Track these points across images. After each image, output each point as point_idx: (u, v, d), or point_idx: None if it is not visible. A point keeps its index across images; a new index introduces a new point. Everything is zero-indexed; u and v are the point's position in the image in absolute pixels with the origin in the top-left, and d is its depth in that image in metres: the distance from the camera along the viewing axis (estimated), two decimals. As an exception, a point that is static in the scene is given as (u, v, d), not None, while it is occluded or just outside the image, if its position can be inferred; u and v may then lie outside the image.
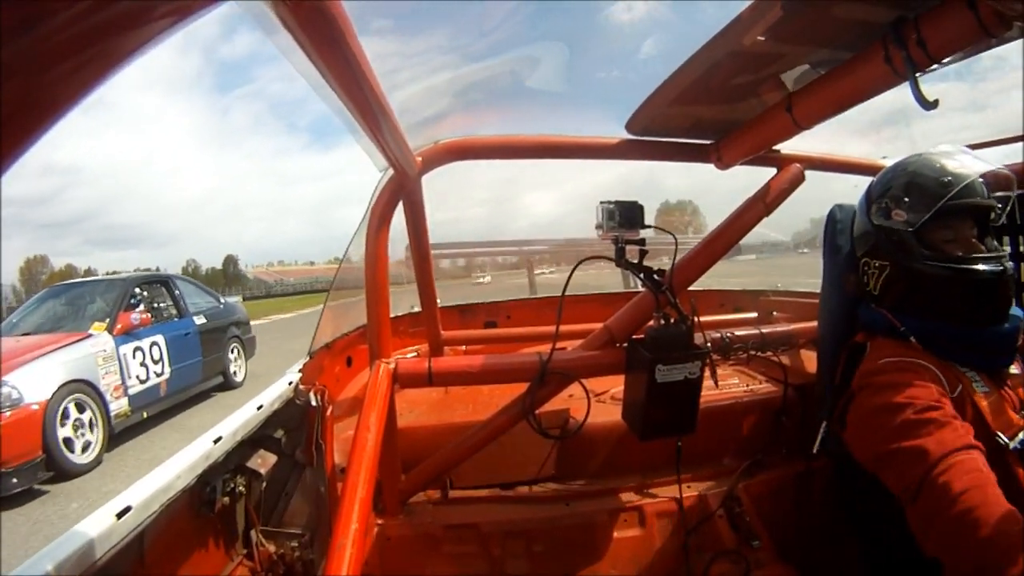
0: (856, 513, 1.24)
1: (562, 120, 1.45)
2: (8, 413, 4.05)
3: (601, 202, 1.19)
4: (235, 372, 7.23)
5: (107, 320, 5.29)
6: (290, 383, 1.38)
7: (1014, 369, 1.06)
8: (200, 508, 1.08)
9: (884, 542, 1.14)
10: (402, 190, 1.33)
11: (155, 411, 5.55)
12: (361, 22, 0.64)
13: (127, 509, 0.83)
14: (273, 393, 1.32)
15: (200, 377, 6.45)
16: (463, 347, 2.30)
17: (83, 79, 0.29)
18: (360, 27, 0.64)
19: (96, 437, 4.61)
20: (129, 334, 5.34)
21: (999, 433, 0.95)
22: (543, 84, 1.34)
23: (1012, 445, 0.94)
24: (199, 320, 6.58)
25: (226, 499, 1.13)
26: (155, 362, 5.65)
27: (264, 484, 1.23)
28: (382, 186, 1.29)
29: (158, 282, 6.48)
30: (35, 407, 4.16)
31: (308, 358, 1.58)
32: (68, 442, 4.31)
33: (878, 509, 1.07)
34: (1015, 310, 1.04)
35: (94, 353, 4.90)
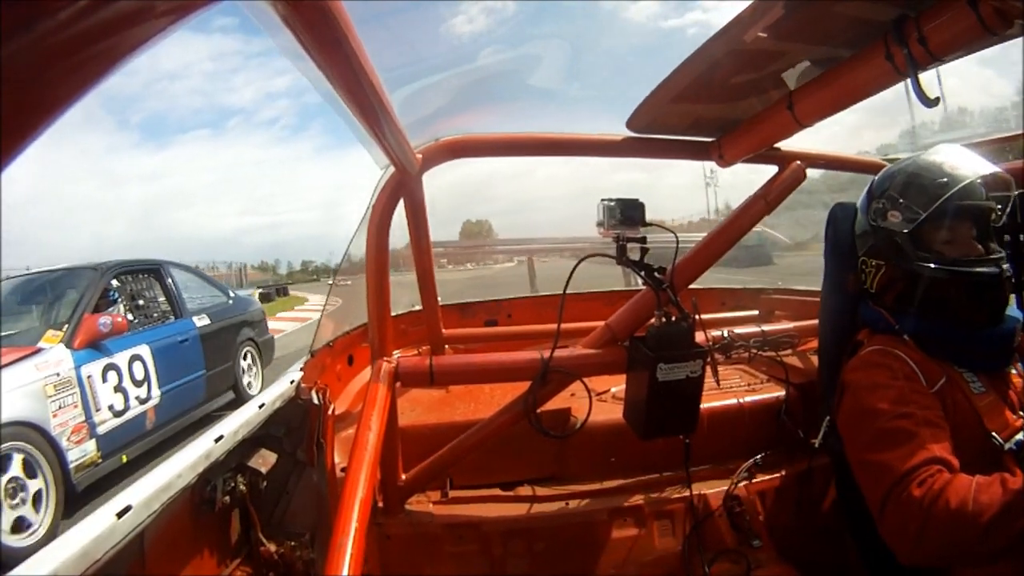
0: (855, 511, 1.24)
1: (563, 118, 1.45)
2: None
3: (602, 199, 1.19)
4: (249, 384, 5.53)
5: (65, 327, 3.57)
6: (291, 382, 1.38)
7: (1013, 370, 1.06)
8: (201, 507, 1.08)
9: (881, 540, 1.14)
10: (403, 188, 1.32)
11: (140, 451, 3.91)
12: (362, 20, 0.64)
13: (127, 508, 0.83)
14: (274, 392, 1.32)
15: (204, 396, 4.80)
16: (464, 346, 2.30)
17: (83, 77, 0.29)
18: (361, 25, 0.64)
19: (47, 502, 3.06)
20: (97, 347, 3.66)
21: (994, 434, 0.95)
22: (544, 82, 1.33)
23: (1007, 446, 0.94)
24: (201, 321, 4.88)
25: (227, 498, 1.13)
26: (137, 384, 3.94)
27: (265, 483, 1.23)
28: (382, 184, 1.29)
29: (146, 271, 4.64)
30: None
31: (309, 356, 1.58)
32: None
33: None
34: (1015, 312, 1.04)
35: (40, 379, 3.21)
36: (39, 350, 3.39)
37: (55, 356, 3.41)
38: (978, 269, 1.01)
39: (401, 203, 1.36)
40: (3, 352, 3.29)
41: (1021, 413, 0.99)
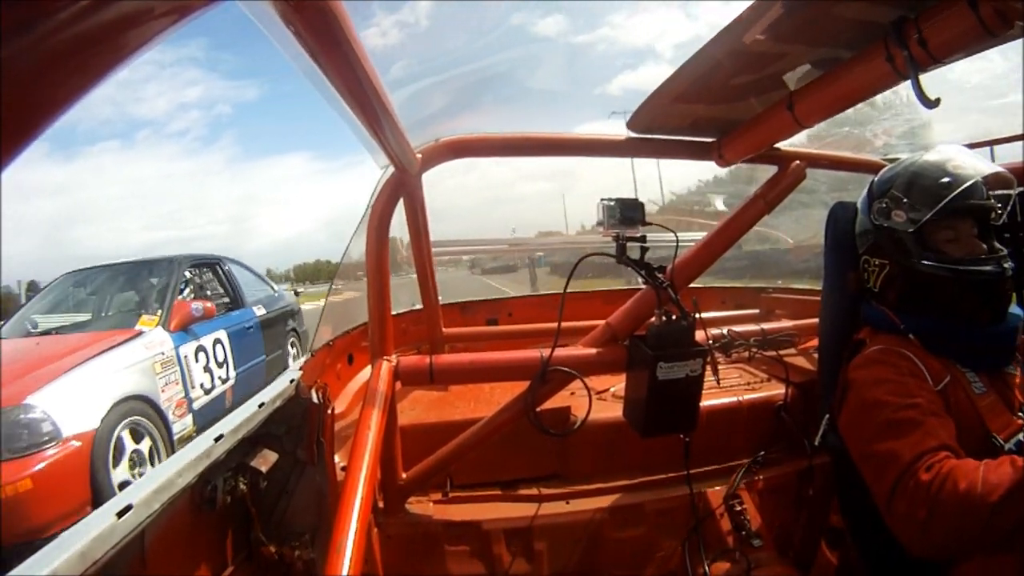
0: (855, 510, 1.24)
1: (564, 118, 1.45)
2: (48, 452, 2.65)
3: (602, 199, 1.19)
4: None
5: (159, 312, 3.89)
6: (291, 381, 1.38)
7: (1013, 370, 1.06)
8: (201, 506, 1.07)
9: (882, 538, 1.14)
10: (403, 188, 1.33)
11: (221, 428, 4.39)
12: (362, 20, 0.64)
13: (128, 508, 0.83)
14: (274, 391, 1.32)
15: (263, 381, 4.61)
16: (464, 344, 2.30)
17: (83, 78, 0.29)
18: (361, 25, 0.64)
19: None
20: (187, 330, 4.00)
21: (995, 435, 0.95)
22: (545, 82, 1.34)
23: (1007, 446, 0.94)
24: (259, 311, 5.19)
25: (227, 498, 1.13)
26: (219, 365, 4.30)
27: (265, 483, 1.23)
28: (382, 184, 1.29)
29: (206, 265, 4.99)
30: (76, 443, 2.76)
31: (310, 355, 1.58)
32: (125, 487, 2.91)
33: (875, 505, 1.08)
34: (1015, 310, 1.05)
35: (150, 357, 3.54)
36: (140, 333, 3.69)
37: (158, 337, 3.75)
38: (982, 268, 1.01)
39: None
40: (112, 333, 3.60)
41: (1021, 414, 0.99)
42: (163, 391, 3.56)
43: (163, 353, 3.68)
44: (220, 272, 5.09)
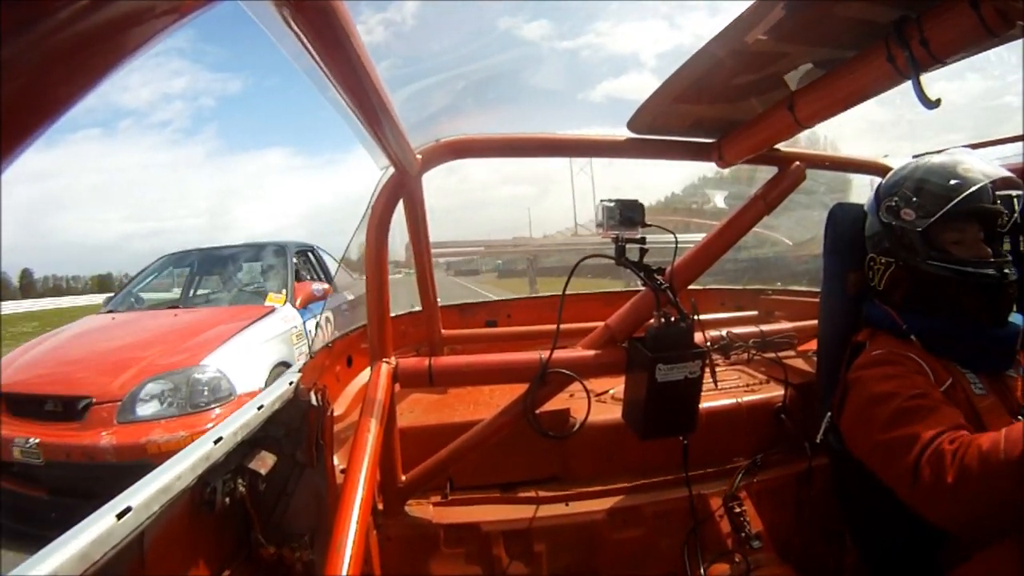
0: (854, 511, 1.24)
1: (564, 118, 1.45)
2: (218, 411, 2.98)
3: (601, 200, 1.19)
4: None
5: (283, 291, 4.35)
6: (290, 383, 1.37)
7: (1014, 374, 1.06)
8: (200, 509, 1.07)
9: (882, 539, 1.14)
10: (403, 189, 1.32)
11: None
12: (363, 21, 0.64)
13: (127, 509, 0.82)
14: (274, 393, 1.32)
15: None
16: (463, 346, 2.30)
17: (84, 78, 0.28)
18: (362, 26, 0.63)
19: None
20: (306, 308, 4.38)
21: None
22: (545, 82, 1.34)
23: None
24: (348, 295, 5.48)
25: (226, 500, 1.12)
26: None
27: (264, 485, 1.23)
28: (382, 184, 1.29)
29: (304, 251, 5.44)
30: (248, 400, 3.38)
31: (309, 358, 1.58)
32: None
33: (876, 505, 1.08)
34: (1015, 316, 1.05)
35: (288, 329, 3.98)
36: (274, 308, 4.08)
37: (290, 312, 4.17)
38: (985, 271, 1.03)
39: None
40: (244, 309, 4.03)
41: (1021, 417, 0.99)
42: (298, 360, 3.79)
43: (296, 327, 4.10)
44: (313, 259, 5.42)
